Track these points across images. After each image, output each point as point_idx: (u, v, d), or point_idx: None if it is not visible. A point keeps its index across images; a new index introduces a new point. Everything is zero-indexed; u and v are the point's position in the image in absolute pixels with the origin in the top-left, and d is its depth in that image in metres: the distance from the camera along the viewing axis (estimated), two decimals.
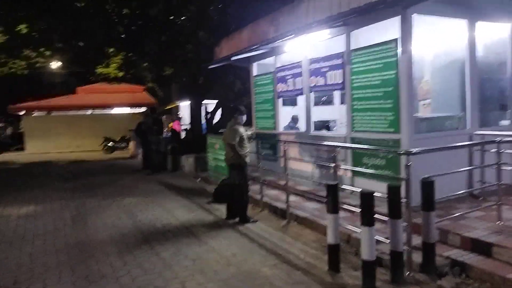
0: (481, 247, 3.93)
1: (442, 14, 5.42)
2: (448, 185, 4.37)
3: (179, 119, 18.59)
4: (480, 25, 5.76)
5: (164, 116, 16.59)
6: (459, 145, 5.05)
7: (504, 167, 4.63)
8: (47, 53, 13.30)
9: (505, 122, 6.31)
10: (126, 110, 23.66)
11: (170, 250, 4.79)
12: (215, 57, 9.47)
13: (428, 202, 3.77)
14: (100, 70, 13.52)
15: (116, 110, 23.64)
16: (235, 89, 15.36)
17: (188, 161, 11.65)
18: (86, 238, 5.40)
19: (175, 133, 13.47)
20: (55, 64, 19.26)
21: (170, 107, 20.31)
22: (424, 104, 7.31)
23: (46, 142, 20.82)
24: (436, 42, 6.62)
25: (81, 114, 23.53)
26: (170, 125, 17.23)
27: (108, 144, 18.89)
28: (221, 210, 6.66)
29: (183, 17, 10.88)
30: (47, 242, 5.29)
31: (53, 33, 11.15)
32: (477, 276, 3.64)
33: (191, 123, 13.47)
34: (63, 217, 6.64)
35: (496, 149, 4.53)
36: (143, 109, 22.67)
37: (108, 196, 8.26)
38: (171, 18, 10.75)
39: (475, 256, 3.88)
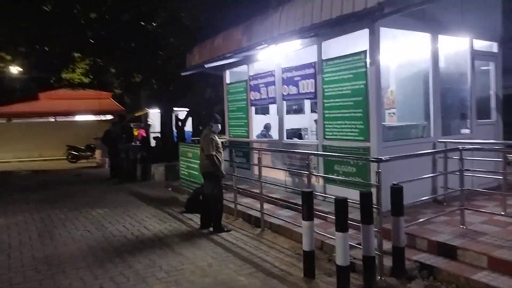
0: (447, 251, 4.13)
1: (407, 28, 5.70)
2: (414, 191, 4.57)
3: (149, 126, 18.30)
4: (442, 38, 6.11)
5: (132, 124, 16.30)
6: (425, 153, 5.31)
7: (466, 173, 4.91)
8: (8, 57, 12.72)
9: (465, 131, 6.69)
10: (91, 117, 22.99)
11: (143, 262, 4.70)
12: (187, 64, 9.43)
13: (398, 207, 3.94)
14: (65, 75, 13.06)
15: (81, 117, 22.92)
16: (205, 96, 15.33)
17: (158, 170, 11.47)
18: (54, 252, 5.18)
19: (145, 141, 13.22)
20: (15, 69, 18.44)
21: (139, 114, 19.92)
22: (389, 113, 7.64)
23: (5, 151, 19.84)
24: (401, 54, 6.96)
25: (43, 121, 22.65)
26: (136, 133, 16.92)
27: (73, 153, 18.24)
28: (194, 219, 6.62)
29: (155, 24, 10.74)
30: (13, 257, 5.03)
31: (17, 37, 10.69)
32: (444, 278, 3.82)
33: (162, 131, 13.27)
34: (28, 230, 6.34)
35: (459, 157, 4.79)
36: (109, 117, 22.14)
37: (75, 207, 7.97)
38: (142, 24, 10.58)
39: (441, 259, 4.08)
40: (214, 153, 5.77)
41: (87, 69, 13.64)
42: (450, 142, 5.90)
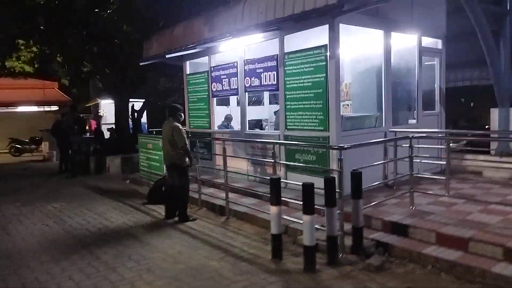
0: (399, 229, 4.54)
1: (363, 25, 6.08)
2: (368, 176, 4.94)
3: (100, 117, 17.62)
4: (394, 35, 6.56)
5: (82, 115, 15.61)
6: (380, 141, 5.73)
7: (414, 160, 5.39)
8: None
9: (412, 121, 7.26)
10: (35, 108, 21.62)
11: (110, 253, 4.67)
12: (145, 53, 9.24)
13: (357, 191, 4.27)
14: (9, 63, 12.21)
15: (23, 108, 21.48)
16: (158, 86, 15.05)
17: (114, 162, 11.16)
18: (13, 248, 4.98)
19: (98, 133, 12.77)
20: None
21: (89, 105, 19.11)
22: (343, 105, 8.07)
23: None
24: (357, 49, 7.37)
25: None
26: (89, 124, 16.27)
27: (16, 146, 17.12)
28: (158, 210, 6.61)
29: (109, 10, 10.35)
30: None
31: None
32: (398, 254, 4.22)
33: (117, 122, 12.87)
34: None
35: (408, 144, 5.24)
36: (54, 108, 20.95)
37: (29, 202, 7.61)
38: (96, 10, 10.16)
39: (395, 237, 4.48)
40: (186, 143, 5.81)
41: (32, 57, 12.88)
42: (400, 131, 6.41)
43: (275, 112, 8.40)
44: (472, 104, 13.35)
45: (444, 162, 5.88)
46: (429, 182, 6.33)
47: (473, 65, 9.61)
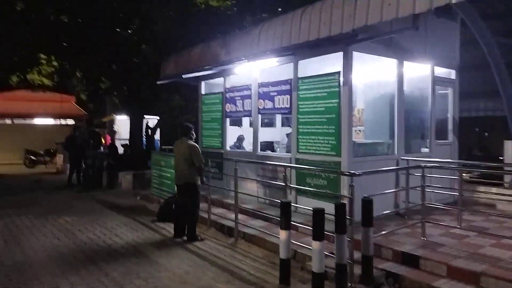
0: (410, 260, 4.49)
1: (377, 53, 6.18)
2: (378, 204, 4.92)
3: (114, 133, 17.94)
4: (407, 64, 6.64)
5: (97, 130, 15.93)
6: (392, 169, 5.74)
7: (426, 189, 5.36)
8: None
9: (425, 150, 7.24)
10: (51, 121, 22.12)
11: (119, 270, 4.70)
12: (162, 72, 9.49)
13: (368, 218, 4.26)
14: (31, 76, 12.63)
15: (40, 121, 21.97)
16: (172, 104, 15.35)
17: (126, 178, 11.30)
18: (24, 259, 5.05)
19: (112, 148, 12.98)
20: None
21: (105, 120, 19.50)
22: (356, 131, 8.10)
23: None
24: (370, 76, 7.46)
25: None
26: (104, 139, 16.56)
27: (31, 157, 17.45)
28: (167, 228, 6.65)
29: (130, 30, 10.74)
30: None
31: None
32: (408, 285, 4.16)
33: (131, 138, 13.09)
34: None
35: (421, 173, 5.22)
36: (70, 121, 21.39)
37: (41, 214, 7.73)
38: (117, 30, 10.54)
39: (405, 268, 4.42)
40: (203, 162, 5.95)
41: (53, 71, 13.30)
42: (412, 159, 6.39)
43: (288, 135, 8.48)
44: (486, 134, 13.24)
45: (457, 193, 5.80)
46: (441, 212, 6.25)
47: (487, 96, 9.61)
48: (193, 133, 6.25)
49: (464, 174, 8.66)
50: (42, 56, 12.53)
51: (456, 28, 7.58)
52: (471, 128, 12.72)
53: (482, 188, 7.14)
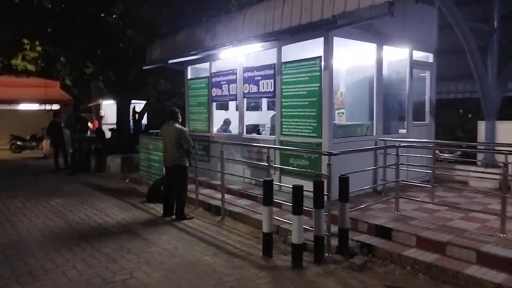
0: (383, 232, 4.84)
1: (357, 38, 6.42)
2: (358, 182, 5.28)
3: (101, 117, 17.92)
4: (386, 49, 6.90)
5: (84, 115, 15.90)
6: (368, 148, 6.04)
7: (401, 168, 5.70)
8: None
9: (402, 131, 7.58)
10: (36, 106, 21.90)
11: (111, 246, 4.96)
12: (148, 57, 9.58)
13: (344, 194, 4.58)
14: (16, 62, 12.52)
15: (25, 107, 21.74)
16: (159, 89, 15.41)
17: (114, 162, 11.44)
18: (18, 238, 5.26)
19: (100, 133, 13.06)
20: None
21: (91, 105, 19.42)
22: (338, 113, 8.40)
23: None
24: (351, 61, 7.72)
25: None
26: (91, 124, 16.55)
27: (17, 143, 17.38)
28: (156, 208, 6.90)
29: (114, 15, 10.70)
30: None
31: None
32: (380, 255, 4.52)
33: (118, 123, 13.16)
34: None
35: (395, 153, 5.55)
36: (55, 106, 21.21)
37: (31, 197, 7.89)
38: (102, 15, 10.51)
39: (379, 239, 4.79)
40: (192, 145, 6.20)
41: (36, 56, 13.17)
42: (389, 140, 6.73)
43: (272, 118, 8.73)
44: (470, 115, 13.62)
45: (430, 171, 6.18)
46: (417, 189, 6.60)
47: (464, 78, 9.94)
48: (180, 116, 6.45)
49: (445, 154, 9.12)
50: (26, 41, 12.40)
51: (434, 13, 7.83)
52: (454, 110, 13.13)
53: (457, 167, 7.56)
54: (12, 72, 14.60)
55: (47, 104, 21.96)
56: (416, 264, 4.18)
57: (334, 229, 4.65)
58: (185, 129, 6.24)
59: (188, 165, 6.29)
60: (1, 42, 12.05)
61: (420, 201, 5.91)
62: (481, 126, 7.83)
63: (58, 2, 10.29)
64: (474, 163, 7.72)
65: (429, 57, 8.00)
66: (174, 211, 6.32)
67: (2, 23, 10.34)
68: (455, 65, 9.78)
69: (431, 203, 5.82)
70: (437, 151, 8.39)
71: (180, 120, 6.45)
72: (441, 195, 6.39)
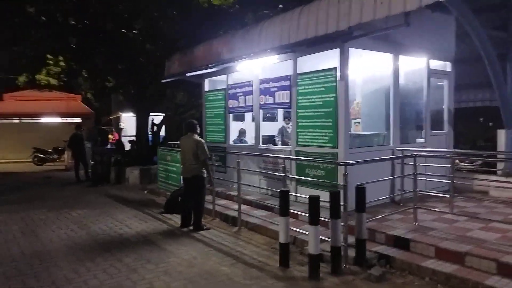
0: (401, 243, 4.80)
1: (373, 49, 6.44)
2: (375, 192, 5.26)
3: (121, 130, 18.34)
4: (403, 58, 6.90)
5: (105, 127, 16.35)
6: (384, 158, 6.02)
7: (419, 177, 5.65)
8: None
9: (420, 140, 7.51)
10: (59, 119, 22.59)
11: (131, 256, 5.06)
12: (167, 71, 9.82)
13: (361, 204, 4.57)
14: (40, 77, 13.03)
15: (48, 120, 22.43)
16: (176, 101, 15.72)
17: (133, 173, 11.66)
18: (42, 248, 5.43)
19: (119, 145, 13.37)
20: None
21: (111, 117, 19.92)
22: (355, 123, 8.39)
23: None
24: (367, 71, 7.73)
25: (7, 122, 21.99)
26: (112, 136, 16.96)
27: (39, 155, 17.91)
28: (174, 219, 6.99)
29: (134, 31, 11.06)
30: (2, 254, 5.22)
31: None
32: (398, 266, 4.47)
33: (137, 135, 13.46)
34: (10, 229, 6.49)
35: (413, 162, 5.51)
36: (77, 120, 21.83)
37: (54, 208, 8.12)
38: (123, 31, 10.88)
39: (396, 250, 4.74)
40: (209, 156, 6.31)
41: (59, 71, 13.67)
42: (407, 149, 6.67)
43: (280, 129, 8.84)
44: (491, 124, 13.33)
45: (449, 181, 6.08)
46: (436, 200, 6.53)
47: (484, 87, 9.80)
48: (198, 128, 6.59)
49: (465, 164, 8.96)
50: (49, 56, 12.91)
51: (452, 22, 7.78)
52: (475, 119, 12.87)
53: (476, 176, 7.42)
54: (35, 86, 15.17)
55: (69, 118, 22.68)
56: (435, 275, 4.12)
57: (351, 239, 4.64)
58: (202, 140, 6.35)
59: (206, 176, 6.37)
60: (26, 58, 12.60)
61: (439, 211, 5.82)
62: (501, 134, 7.69)
63: (81, 19, 10.70)
64: (495, 173, 7.56)
65: (446, 65, 7.94)
66: (192, 222, 6.40)
67: (27, 40, 10.81)
68: (474, 73, 9.65)
69: (450, 213, 5.72)
70: (456, 161, 8.28)
71: (199, 130, 6.57)
72: (461, 205, 6.28)
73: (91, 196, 9.58)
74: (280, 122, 10.41)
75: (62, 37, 10.83)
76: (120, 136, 18.36)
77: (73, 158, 12.67)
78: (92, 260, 4.93)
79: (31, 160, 17.80)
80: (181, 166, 6.58)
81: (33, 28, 10.45)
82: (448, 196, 5.98)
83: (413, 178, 5.47)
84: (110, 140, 14.67)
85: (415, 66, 7.49)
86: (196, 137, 6.36)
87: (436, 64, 7.71)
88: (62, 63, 13.23)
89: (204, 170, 6.33)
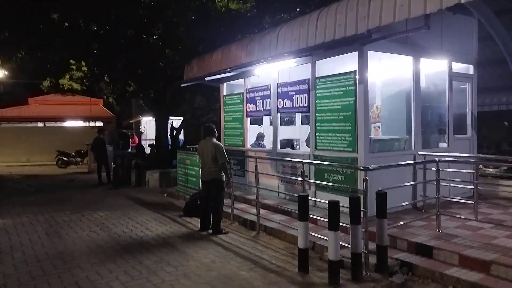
0: (424, 250, 4.69)
1: (392, 51, 6.36)
2: (396, 198, 5.17)
3: (141, 133, 18.65)
4: (424, 61, 6.78)
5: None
6: (405, 163, 5.90)
7: (442, 183, 5.52)
8: None
9: (443, 145, 7.34)
10: (81, 123, 23.17)
11: (151, 258, 5.12)
12: (186, 75, 9.94)
13: (382, 210, 4.49)
14: (64, 82, 13.43)
15: (70, 123, 23.03)
16: (194, 105, 15.91)
17: (153, 177, 11.83)
18: (65, 249, 5.56)
19: (140, 148, 13.58)
20: (1, 73, 18.44)
21: (132, 121, 20.29)
22: (375, 127, 8.28)
23: None
24: (387, 74, 7.62)
25: (32, 126, 22.71)
26: (132, 140, 17.24)
27: (63, 158, 18.37)
28: (193, 222, 7.05)
29: (154, 36, 11.29)
30: (27, 254, 5.38)
31: (21, 43, 11.05)
32: (421, 274, 4.37)
33: (157, 138, 13.67)
34: (35, 230, 6.67)
35: (435, 168, 5.39)
36: (99, 123, 22.35)
37: (76, 210, 8.31)
38: (143, 36, 11.11)
39: (419, 258, 4.63)
40: (227, 160, 6.36)
41: (82, 76, 14.05)
42: (429, 154, 6.53)
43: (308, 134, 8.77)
44: None
45: (473, 187, 5.92)
46: (459, 206, 6.37)
47: (508, 90, 9.54)
48: (216, 132, 6.64)
49: (490, 169, 8.71)
50: (72, 62, 13.30)
51: (473, 24, 7.61)
52: (499, 122, 12.53)
53: (502, 182, 7.20)
54: (59, 91, 15.61)
55: (91, 121, 23.24)
56: (459, 283, 4.00)
57: (372, 246, 4.56)
58: (221, 144, 6.40)
59: (225, 179, 6.40)
60: (50, 63, 13.01)
61: (462, 218, 5.67)
62: None
63: (103, 25, 10.98)
64: None
65: (469, 68, 7.76)
66: (211, 225, 6.43)
67: (51, 46, 11.15)
68: (498, 76, 9.41)
69: (474, 220, 5.58)
70: (480, 166, 8.06)
71: (216, 134, 6.62)
72: (485, 212, 6.10)
73: (112, 198, 9.76)
74: (298, 126, 10.39)
75: (85, 43, 11.13)
76: (140, 140, 18.67)
77: (95, 161, 12.95)
78: (113, 261, 5.01)
79: (55, 163, 18.29)
80: (200, 169, 6.63)
81: (56, 35, 10.77)
82: (472, 202, 5.84)
83: (435, 184, 5.35)
84: (131, 144, 14.94)
85: (437, 69, 7.36)
86: (215, 141, 6.41)
87: (458, 67, 7.54)
88: (84, 68, 13.61)
89: (223, 174, 6.37)
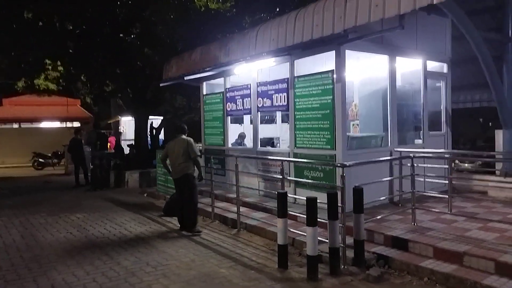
0: (400, 243, 4.81)
1: (369, 51, 6.48)
2: (373, 193, 5.28)
3: (120, 134, 18.37)
4: (399, 60, 6.94)
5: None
6: (382, 160, 6.02)
7: (417, 178, 5.66)
8: None
9: (418, 141, 7.53)
10: (58, 124, 22.63)
11: (130, 259, 5.06)
12: (165, 75, 9.85)
13: (358, 205, 4.58)
14: (39, 82, 13.07)
15: (47, 124, 22.47)
16: (175, 104, 15.77)
17: (132, 177, 11.67)
18: (41, 252, 5.43)
19: (119, 149, 13.38)
20: None
21: (110, 122, 19.95)
22: (353, 125, 8.41)
23: None
24: (364, 73, 7.76)
25: (6, 127, 22.04)
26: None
27: (39, 160, 17.90)
28: (173, 222, 7.00)
29: (132, 35, 11.13)
30: (0, 258, 5.23)
31: None
32: (397, 266, 4.48)
33: (136, 138, 13.49)
34: (10, 233, 6.49)
35: (410, 163, 5.53)
36: (76, 124, 21.87)
37: (53, 212, 8.12)
38: (120, 35, 10.94)
39: (395, 251, 4.75)
40: (199, 154, 6.39)
41: (58, 76, 13.71)
42: (405, 151, 6.69)
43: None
44: (490, 124, 13.34)
45: (447, 181, 6.10)
46: (434, 200, 6.54)
47: (481, 87, 9.84)
48: (187, 131, 6.68)
49: (466, 164, 8.97)
50: (48, 61, 12.96)
51: (447, 24, 7.83)
52: (474, 119, 12.90)
53: (475, 177, 7.44)
54: (34, 91, 15.19)
55: (68, 122, 22.71)
56: (434, 275, 4.13)
57: (350, 240, 4.65)
58: (192, 139, 6.41)
59: (196, 175, 6.40)
60: (24, 63, 12.64)
61: (437, 211, 5.84)
62: (499, 135, 7.72)
63: (79, 24, 10.75)
64: (494, 173, 7.58)
65: (443, 67, 7.98)
66: (187, 225, 6.38)
67: (25, 45, 10.85)
68: (472, 74, 9.70)
69: (448, 213, 5.75)
70: (457, 161, 8.30)
71: (187, 134, 6.63)
72: (459, 206, 6.30)
73: (90, 200, 9.58)
74: (279, 125, 10.46)
75: (60, 42, 10.87)
76: (119, 140, 18.37)
77: (72, 162, 12.68)
78: (91, 263, 4.93)
79: (31, 164, 17.80)
80: (171, 169, 6.55)
81: (31, 33, 10.49)
82: (447, 196, 6.01)
83: (411, 179, 5.49)
84: (108, 146, 14.69)
85: (412, 68, 7.54)
86: (185, 137, 6.45)
87: (433, 65, 7.75)
88: (60, 68, 13.29)
89: (194, 169, 6.37)
